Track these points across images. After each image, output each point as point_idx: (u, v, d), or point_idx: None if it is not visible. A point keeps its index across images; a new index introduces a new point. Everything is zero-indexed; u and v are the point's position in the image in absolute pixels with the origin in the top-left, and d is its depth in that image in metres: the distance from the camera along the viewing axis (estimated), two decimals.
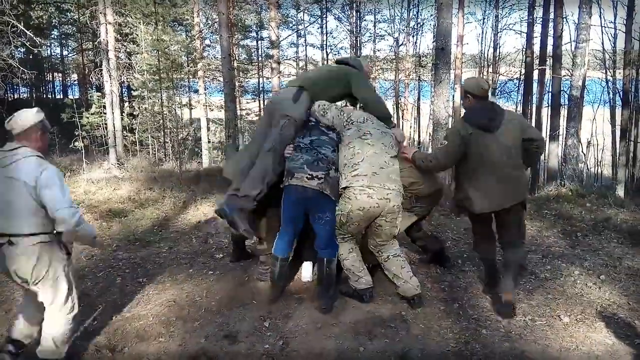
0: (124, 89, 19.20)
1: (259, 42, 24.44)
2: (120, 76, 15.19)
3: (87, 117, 13.53)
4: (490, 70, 22.47)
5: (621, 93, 19.61)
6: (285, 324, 3.79)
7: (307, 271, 4.56)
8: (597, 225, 6.16)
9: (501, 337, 3.68)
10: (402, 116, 23.09)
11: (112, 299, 4.27)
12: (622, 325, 3.80)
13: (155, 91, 15.63)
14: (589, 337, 3.67)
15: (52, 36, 26.77)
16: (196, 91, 20.07)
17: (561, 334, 3.73)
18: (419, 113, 24.36)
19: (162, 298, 4.23)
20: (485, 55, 23.08)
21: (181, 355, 3.46)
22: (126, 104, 18.46)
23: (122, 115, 14.33)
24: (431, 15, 22.27)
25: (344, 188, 3.85)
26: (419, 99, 24.23)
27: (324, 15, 22.58)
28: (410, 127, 24.53)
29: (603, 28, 20.01)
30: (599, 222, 6.26)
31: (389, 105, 24.50)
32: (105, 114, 13.97)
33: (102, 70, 13.65)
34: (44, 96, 30.77)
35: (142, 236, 5.91)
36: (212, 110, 21.93)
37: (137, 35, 14.75)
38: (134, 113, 16.81)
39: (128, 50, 16.00)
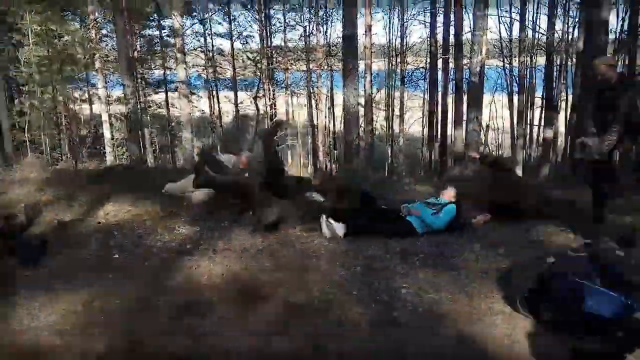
0: (12, 85, 17.62)
1: (161, 31, 23.38)
2: (8, 68, 13.93)
3: None
4: (398, 59, 23.04)
5: (517, 79, 20.85)
6: (197, 322, 3.60)
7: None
8: None
9: (410, 314, 3.73)
10: (316, 106, 23.16)
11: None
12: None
13: (46, 85, 14.52)
14: (491, 308, 3.79)
15: None
16: (94, 85, 18.91)
17: (466, 307, 3.83)
18: (332, 103, 24.53)
19: (56, 306, 3.87)
20: (393, 45, 23.62)
21: None
22: (16, 101, 17.01)
23: (9, 112, 13.11)
24: (339, 4, 22.38)
25: None
26: (332, 88, 24.39)
27: (229, 2, 21.99)
28: (325, 117, 24.67)
29: (500, 17, 21.09)
30: None
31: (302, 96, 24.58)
32: None
33: None
34: None
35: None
36: (111, 104, 20.73)
37: (23, 24, 13.52)
38: (24, 110, 15.47)
39: (13, 41, 14.67)
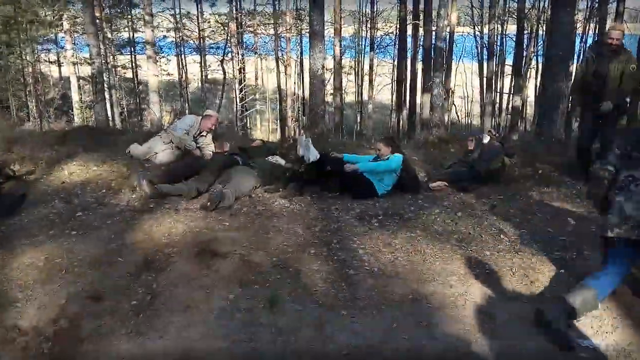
0: None
1: None
2: None
3: None
4: (369, 25, 22.95)
5: (487, 47, 21.03)
6: (155, 278, 3.72)
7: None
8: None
9: (365, 274, 3.90)
10: (285, 71, 23.02)
11: None
12: (472, 256, 4.19)
13: (12, 46, 14.14)
14: (445, 269, 4.01)
15: None
16: (62, 47, 18.45)
17: (420, 267, 4.04)
18: (302, 69, 24.40)
19: (18, 261, 3.94)
20: (363, 10, 23.50)
21: (39, 319, 3.30)
22: None
23: None
24: None
25: None
26: (301, 54, 24.23)
27: None
28: (295, 83, 24.57)
29: None
30: None
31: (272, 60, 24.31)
32: None
33: None
34: None
35: None
36: (82, 65, 20.29)
37: None
38: None
39: None
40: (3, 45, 14.58)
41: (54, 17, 17.05)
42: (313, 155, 5.71)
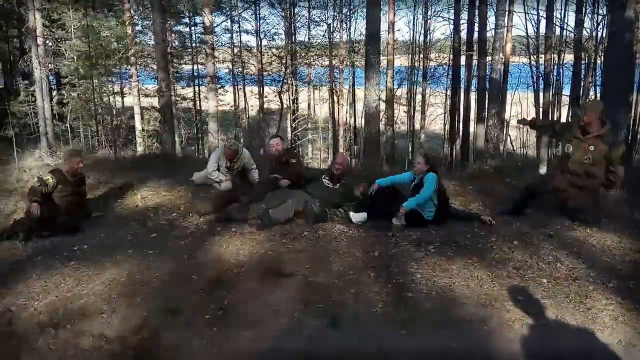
0: (51, 77, 18.47)
1: (192, 28, 24.03)
2: (49, 63, 14.68)
3: (16, 106, 13.13)
4: (421, 56, 23.20)
5: (543, 77, 20.76)
6: (226, 294, 4.00)
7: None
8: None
9: (424, 297, 4.05)
10: (338, 101, 23.48)
11: (53, 280, 4.32)
12: (529, 284, 4.26)
13: (86, 78, 15.21)
14: (502, 294, 4.10)
15: None
16: (130, 77, 19.61)
17: (477, 292, 4.15)
18: (354, 99, 24.82)
19: (102, 277, 4.32)
20: (417, 41, 23.78)
21: (124, 329, 3.61)
22: (54, 92, 17.83)
23: (51, 103, 13.90)
24: (363, 2, 22.67)
25: None
26: (353, 84, 24.67)
27: (258, 1, 22.49)
28: (347, 112, 24.97)
29: (526, 14, 21.01)
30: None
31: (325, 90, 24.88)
32: (34, 101, 13.51)
33: (31, 57, 13.11)
34: None
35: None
36: (148, 97, 21.48)
37: (67, 21, 14.29)
38: (64, 101, 16.32)
39: (57, 36, 15.45)
40: (77, 78, 15.70)
41: (121, 52, 18.18)
42: (360, 217, 5.69)
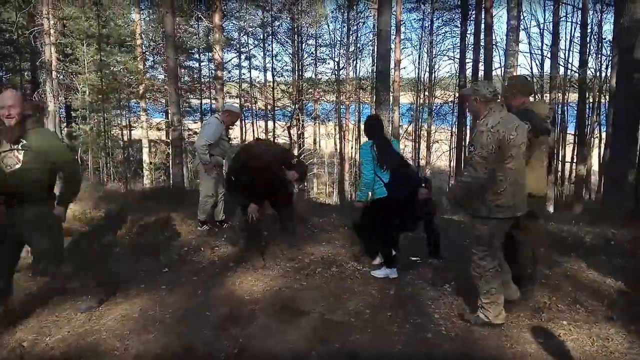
0: (61, 110, 18.73)
1: (202, 64, 24.48)
2: (62, 96, 14.93)
3: None
4: (427, 93, 23.47)
5: None
6: (241, 332, 3.92)
7: None
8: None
9: (443, 338, 3.96)
10: (344, 137, 23.64)
11: (64, 315, 4.26)
12: (549, 325, 4.17)
13: (98, 111, 15.44)
14: (522, 336, 4.01)
15: None
16: (145, 110, 19.87)
17: (497, 333, 4.05)
18: (359, 134, 25.02)
19: (115, 313, 4.25)
20: (422, 79, 24.11)
21: None
22: (64, 125, 18.03)
23: (61, 135, 14.06)
24: (370, 41, 23.12)
25: None
26: (359, 120, 24.93)
27: (268, 38, 22.94)
28: (352, 147, 25.11)
29: (531, 54, 21.37)
30: None
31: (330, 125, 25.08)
32: None
33: (45, 90, 13.32)
34: None
35: (90, 254, 5.86)
36: (160, 130, 21.73)
37: (80, 55, 14.60)
38: (74, 134, 16.48)
39: (70, 70, 15.73)
40: (88, 111, 15.91)
41: (132, 87, 18.47)
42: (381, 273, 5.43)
